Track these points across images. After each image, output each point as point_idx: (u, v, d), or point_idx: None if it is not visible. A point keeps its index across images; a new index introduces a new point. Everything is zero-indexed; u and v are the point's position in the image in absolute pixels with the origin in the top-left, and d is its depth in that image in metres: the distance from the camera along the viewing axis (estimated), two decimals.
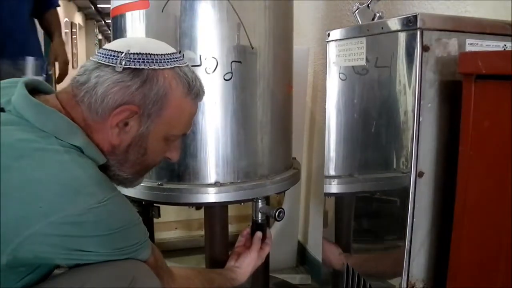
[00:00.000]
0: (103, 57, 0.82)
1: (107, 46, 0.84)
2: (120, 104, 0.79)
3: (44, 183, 0.69)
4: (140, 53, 0.81)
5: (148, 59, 0.81)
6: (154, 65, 0.81)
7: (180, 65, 0.85)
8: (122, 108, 0.79)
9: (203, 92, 0.90)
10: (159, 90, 0.81)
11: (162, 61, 0.83)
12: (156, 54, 0.82)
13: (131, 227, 0.79)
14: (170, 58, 0.84)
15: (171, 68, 0.83)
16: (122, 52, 0.80)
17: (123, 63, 0.79)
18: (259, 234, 1.25)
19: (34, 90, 0.82)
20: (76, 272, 0.75)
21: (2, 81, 0.86)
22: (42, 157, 0.71)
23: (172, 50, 0.87)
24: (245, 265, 1.19)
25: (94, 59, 0.83)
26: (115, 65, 0.79)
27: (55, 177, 0.70)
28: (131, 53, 0.81)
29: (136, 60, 0.80)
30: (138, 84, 0.80)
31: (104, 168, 0.82)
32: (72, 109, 0.81)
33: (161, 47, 0.86)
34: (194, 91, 0.87)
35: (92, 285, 0.73)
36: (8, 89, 0.81)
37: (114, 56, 0.81)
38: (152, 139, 0.85)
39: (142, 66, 0.80)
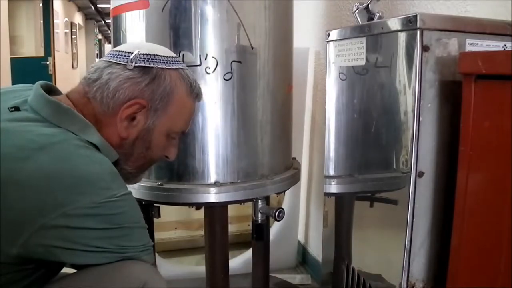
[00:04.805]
0: (114, 57, 0.88)
1: (117, 48, 0.91)
2: (131, 99, 0.85)
3: (61, 174, 0.71)
4: (149, 54, 0.88)
5: (156, 59, 0.88)
6: (161, 64, 0.88)
7: (182, 68, 0.92)
8: (132, 102, 0.85)
9: (201, 94, 0.98)
10: (166, 87, 0.88)
11: (168, 62, 0.90)
12: (163, 56, 0.90)
13: (139, 228, 0.81)
14: (174, 61, 0.92)
15: (175, 69, 0.90)
16: (132, 53, 0.87)
17: (134, 61, 0.86)
18: None
19: (47, 91, 0.85)
20: (85, 273, 0.76)
21: (13, 86, 0.91)
22: (60, 149, 0.74)
23: (174, 54, 0.95)
24: None
25: (105, 59, 0.89)
26: (126, 63, 0.86)
27: (72, 170, 0.72)
28: (141, 53, 0.87)
29: (145, 59, 0.87)
30: (147, 80, 0.86)
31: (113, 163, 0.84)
32: (84, 106, 0.86)
33: (166, 51, 0.93)
34: (195, 91, 0.94)
35: (102, 286, 0.74)
36: (22, 92, 0.86)
37: (124, 55, 0.87)
38: (156, 134, 0.90)
39: (152, 65, 0.87)
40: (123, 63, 0.86)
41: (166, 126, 0.90)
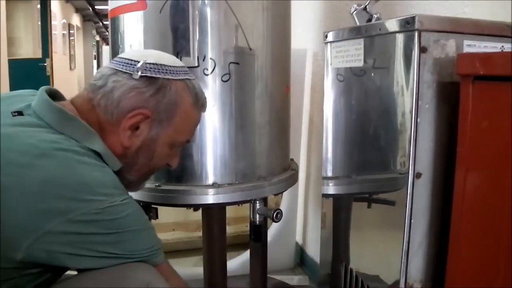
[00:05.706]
0: (120, 64, 0.86)
1: (123, 55, 0.90)
2: (135, 108, 0.84)
3: (64, 181, 0.72)
4: (155, 63, 0.86)
5: (163, 70, 0.87)
6: (168, 75, 0.87)
7: (189, 78, 0.91)
8: (136, 111, 0.84)
9: (206, 104, 0.97)
10: (171, 98, 0.86)
11: (175, 72, 0.88)
12: (170, 66, 0.88)
13: (144, 230, 0.81)
14: (181, 71, 0.90)
15: (182, 79, 0.89)
16: (139, 61, 0.85)
17: (140, 71, 0.84)
18: None
19: (51, 96, 0.85)
20: (89, 274, 0.76)
21: (19, 91, 0.91)
22: (63, 156, 0.74)
23: (182, 63, 0.93)
24: None
25: (110, 66, 0.87)
26: (132, 72, 0.84)
27: (75, 177, 0.73)
28: (147, 63, 0.86)
29: (152, 69, 0.86)
30: (152, 91, 0.85)
31: (115, 172, 0.84)
32: (88, 113, 0.85)
33: (173, 60, 0.92)
34: (200, 102, 0.93)
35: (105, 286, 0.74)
36: (27, 97, 0.86)
37: (130, 64, 0.86)
38: (160, 144, 0.89)
39: (158, 75, 0.86)
40: (129, 71, 0.85)
41: (170, 137, 0.90)
